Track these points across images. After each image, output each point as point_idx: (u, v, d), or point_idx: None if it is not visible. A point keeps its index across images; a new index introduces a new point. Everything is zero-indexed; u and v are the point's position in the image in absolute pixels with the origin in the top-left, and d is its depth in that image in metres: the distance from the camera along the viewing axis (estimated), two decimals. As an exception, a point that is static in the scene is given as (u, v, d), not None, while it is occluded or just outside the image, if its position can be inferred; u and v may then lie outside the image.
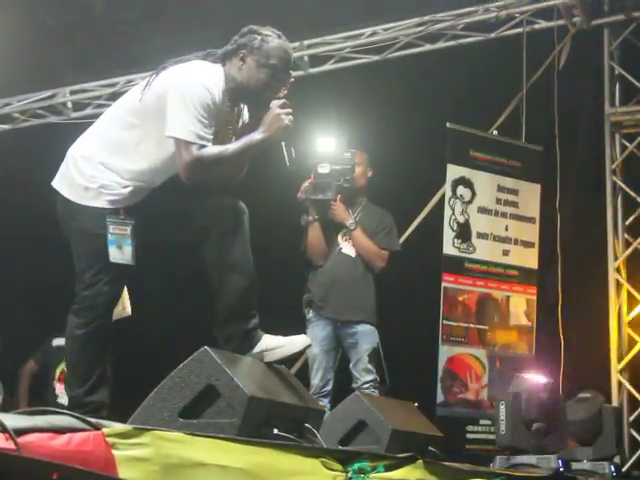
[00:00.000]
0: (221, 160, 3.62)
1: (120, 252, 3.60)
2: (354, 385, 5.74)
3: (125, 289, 3.90)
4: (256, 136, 3.66)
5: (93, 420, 2.26)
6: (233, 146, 3.66)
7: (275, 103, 3.68)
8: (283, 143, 3.70)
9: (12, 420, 2.05)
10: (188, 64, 3.71)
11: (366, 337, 5.82)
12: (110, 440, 2.20)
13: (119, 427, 2.28)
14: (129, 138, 3.69)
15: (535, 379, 5.75)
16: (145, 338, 7.22)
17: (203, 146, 3.57)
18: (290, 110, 3.68)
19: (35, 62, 7.81)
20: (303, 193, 5.82)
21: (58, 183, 3.80)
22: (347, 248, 5.89)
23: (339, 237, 5.91)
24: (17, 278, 7.86)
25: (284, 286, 6.40)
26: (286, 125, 3.65)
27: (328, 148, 5.78)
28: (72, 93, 8.49)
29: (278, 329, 3.71)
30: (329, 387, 5.78)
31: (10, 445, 1.94)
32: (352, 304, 5.83)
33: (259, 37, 3.70)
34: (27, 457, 1.92)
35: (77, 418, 2.24)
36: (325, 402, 5.58)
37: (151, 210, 3.69)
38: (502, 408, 5.54)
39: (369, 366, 5.77)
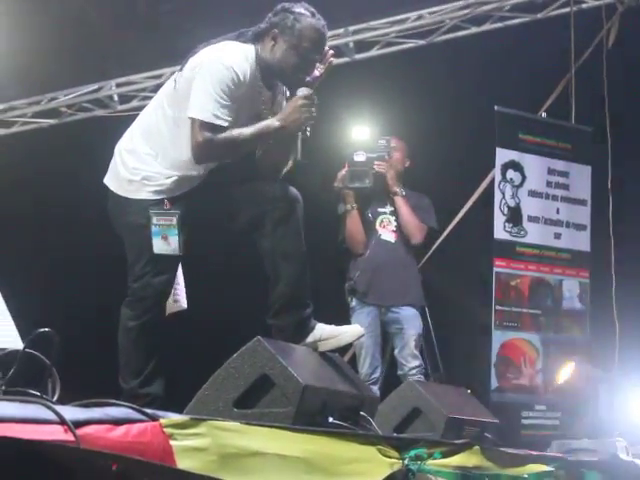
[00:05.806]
0: (233, 144, 3.57)
1: (165, 243, 3.58)
2: (400, 372, 5.70)
3: (182, 282, 3.89)
4: (272, 124, 3.59)
5: (150, 411, 2.26)
6: (247, 131, 3.58)
7: (301, 92, 3.58)
8: (300, 136, 3.60)
9: (70, 412, 2.06)
10: (216, 45, 3.65)
11: (411, 321, 5.77)
12: (168, 431, 2.20)
13: (176, 418, 2.28)
14: (167, 127, 3.67)
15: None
16: (198, 328, 7.23)
17: (218, 126, 3.52)
18: (314, 102, 3.58)
19: (80, 56, 7.84)
20: (340, 182, 5.80)
21: (107, 178, 3.82)
22: (386, 234, 5.87)
23: (377, 224, 5.88)
24: (60, 268, 7.91)
25: (324, 275, 6.38)
26: (305, 118, 3.56)
27: (363, 136, 5.75)
28: (118, 86, 8.52)
29: (320, 318, 3.68)
30: (377, 374, 5.74)
31: (69, 437, 1.95)
32: (395, 289, 5.80)
33: (292, 16, 3.61)
34: (86, 449, 1.92)
35: (134, 409, 2.24)
36: (374, 389, 5.54)
37: (203, 199, 3.67)
38: None
39: (415, 351, 5.72)
